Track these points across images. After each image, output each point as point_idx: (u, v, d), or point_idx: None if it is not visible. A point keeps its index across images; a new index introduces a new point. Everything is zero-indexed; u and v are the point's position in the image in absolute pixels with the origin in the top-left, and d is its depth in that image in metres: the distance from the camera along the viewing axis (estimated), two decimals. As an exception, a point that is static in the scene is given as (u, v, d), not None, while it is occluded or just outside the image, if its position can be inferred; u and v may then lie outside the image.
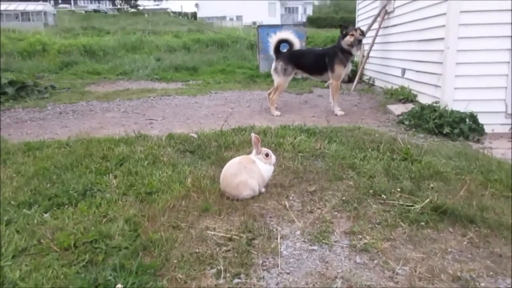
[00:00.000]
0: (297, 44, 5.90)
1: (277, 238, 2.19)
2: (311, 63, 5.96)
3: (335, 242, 2.17)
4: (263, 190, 2.78)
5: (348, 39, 5.56)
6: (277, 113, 5.85)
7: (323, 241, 2.16)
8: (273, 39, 5.80)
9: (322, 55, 5.85)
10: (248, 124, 4.79)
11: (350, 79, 8.27)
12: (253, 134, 2.76)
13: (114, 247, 1.98)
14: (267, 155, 2.78)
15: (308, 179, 2.99)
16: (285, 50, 5.90)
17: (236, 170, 2.67)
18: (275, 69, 5.91)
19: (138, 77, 10.52)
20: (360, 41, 5.55)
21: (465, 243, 2.17)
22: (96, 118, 5.70)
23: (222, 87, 8.95)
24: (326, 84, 7.48)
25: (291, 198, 2.72)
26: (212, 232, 2.21)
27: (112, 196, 2.60)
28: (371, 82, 8.48)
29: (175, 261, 1.94)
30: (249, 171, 2.66)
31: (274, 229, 2.30)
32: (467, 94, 4.70)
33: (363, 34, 5.67)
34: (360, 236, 2.20)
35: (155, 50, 14.93)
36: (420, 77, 5.75)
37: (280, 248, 2.09)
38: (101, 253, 1.93)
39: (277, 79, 5.92)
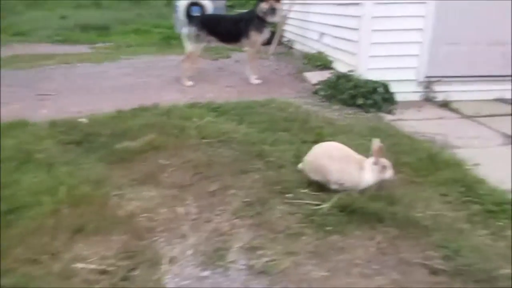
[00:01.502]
0: (209, 7, 5.39)
1: (162, 264, 1.84)
2: (226, 29, 5.48)
3: (231, 262, 1.86)
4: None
5: (263, 6, 5.13)
6: (190, 83, 5.39)
7: (217, 263, 1.85)
8: (181, 3, 5.21)
9: (238, 21, 5.41)
10: (154, 101, 4.29)
11: (268, 41, 7.88)
12: (376, 142, 2.36)
13: None
14: (384, 167, 2.40)
15: (210, 175, 2.65)
16: (197, 14, 5.35)
17: (346, 158, 2.41)
18: (188, 35, 5.36)
19: (38, 39, 9.31)
20: (274, 9, 5.13)
21: (373, 249, 1.98)
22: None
23: (134, 51, 8.19)
24: (244, 49, 7.07)
25: (187, 202, 2.36)
26: (81, 265, 1.79)
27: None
28: (289, 45, 8.17)
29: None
30: (352, 169, 2.39)
31: (161, 250, 1.95)
32: (381, 63, 4.61)
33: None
34: (260, 252, 1.92)
35: (60, 6, 13.36)
36: (337, 43, 5.53)
37: (165, 280, 1.75)
38: None
39: (189, 46, 5.39)
